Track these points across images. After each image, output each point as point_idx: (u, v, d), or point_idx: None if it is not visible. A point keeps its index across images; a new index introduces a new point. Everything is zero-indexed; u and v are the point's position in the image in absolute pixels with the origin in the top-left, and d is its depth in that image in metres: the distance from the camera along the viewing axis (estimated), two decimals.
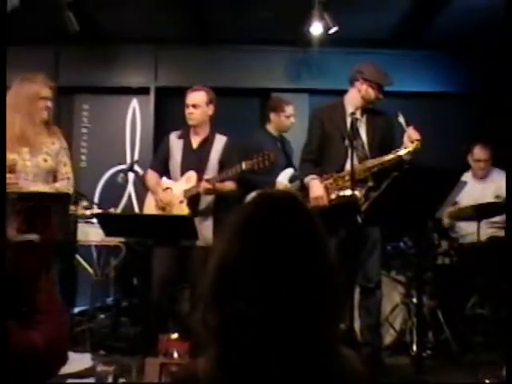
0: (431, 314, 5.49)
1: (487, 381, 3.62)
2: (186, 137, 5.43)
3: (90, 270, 6.51)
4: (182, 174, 5.30)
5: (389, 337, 5.59)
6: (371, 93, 4.94)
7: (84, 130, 8.12)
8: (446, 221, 6.16)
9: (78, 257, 6.37)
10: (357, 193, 4.64)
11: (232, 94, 7.93)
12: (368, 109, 5.03)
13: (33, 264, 4.11)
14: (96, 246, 6.45)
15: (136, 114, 8.14)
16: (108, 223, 4.83)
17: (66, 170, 4.69)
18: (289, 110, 6.37)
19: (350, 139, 4.72)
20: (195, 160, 5.33)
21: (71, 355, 4.70)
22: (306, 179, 5.05)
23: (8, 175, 4.26)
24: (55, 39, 7.54)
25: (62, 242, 5.88)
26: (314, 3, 6.39)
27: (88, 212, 6.02)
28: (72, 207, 5.56)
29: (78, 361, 4.59)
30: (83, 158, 8.09)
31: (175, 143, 5.43)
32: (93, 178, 7.80)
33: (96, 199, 7.03)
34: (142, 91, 8.12)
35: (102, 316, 6.49)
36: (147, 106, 8.14)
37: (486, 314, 5.72)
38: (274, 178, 5.93)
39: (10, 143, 4.33)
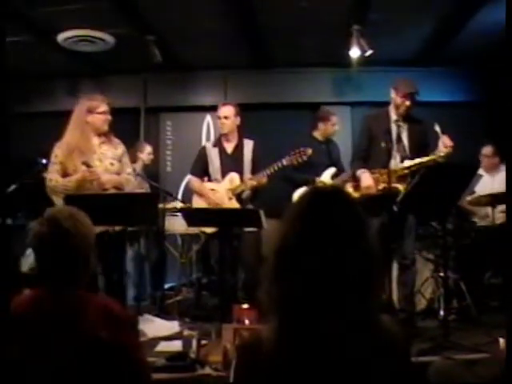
0: (455, 285, 5.40)
1: (500, 338, 3.57)
2: (219, 145, 5.44)
3: (176, 254, 6.58)
4: (223, 176, 5.33)
5: (421, 304, 5.51)
6: (399, 101, 4.86)
7: (168, 142, 8.27)
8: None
9: (166, 243, 6.46)
10: (399, 186, 4.57)
11: (287, 108, 7.98)
12: (409, 117, 4.93)
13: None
14: (180, 234, 6.50)
15: (210, 127, 8.19)
16: (190, 216, 4.89)
17: (129, 170, 4.65)
18: (334, 119, 6.34)
19: (394, 142, 4.72)
20: (232, 163, 5.34)
21: (163, 322, 4.79)
22: (358, 172, 4.95)
23: (91, 169, 4.26)
24: (143, 69, 7.67)
25: (155, 232, 6.01)
26: (352, 32, 6.39)
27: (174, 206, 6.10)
28: (161, 204, 5.62)
29: (169, 326, 4.66)
30: (168, 163, 8.24)
31: (211, 151, 5.44)
32: (176, 180, 7.87)
33: (180, 196, 7.09)
34: (214, 108, 8.03)
35: (187, 290, 6.55)
36: None
37: (499, 283, 5.62)
38: (314, 175, 5.88)
39: (78, 151, 4.33)
